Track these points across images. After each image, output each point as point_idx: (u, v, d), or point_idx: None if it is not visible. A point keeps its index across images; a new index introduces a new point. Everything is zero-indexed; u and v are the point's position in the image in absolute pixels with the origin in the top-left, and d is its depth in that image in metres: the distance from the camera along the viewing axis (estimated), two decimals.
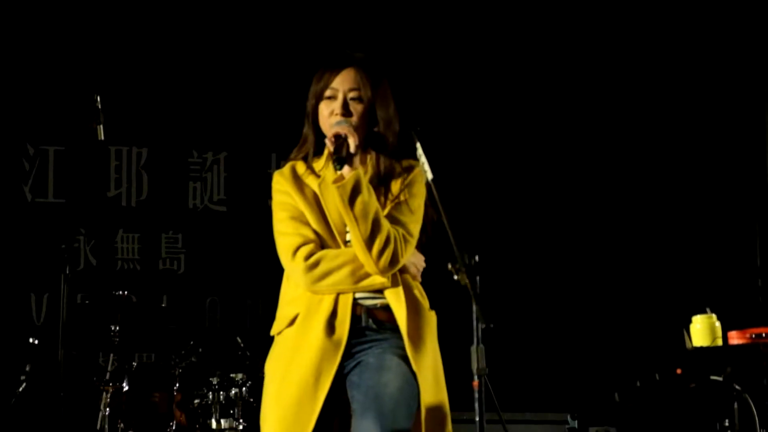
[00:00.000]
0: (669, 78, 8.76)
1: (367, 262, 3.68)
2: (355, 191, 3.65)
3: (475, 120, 8.66)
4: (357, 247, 3.68)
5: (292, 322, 3.75)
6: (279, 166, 3.92)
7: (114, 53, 8.13)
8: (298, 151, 3.89)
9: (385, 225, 3.68)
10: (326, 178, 3.70)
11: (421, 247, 3.88)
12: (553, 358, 8.31)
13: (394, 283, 3.73)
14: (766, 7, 8.61)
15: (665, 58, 8.75)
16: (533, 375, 8.21)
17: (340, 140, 3.69)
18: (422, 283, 3.88)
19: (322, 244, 3.76)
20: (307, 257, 3.71)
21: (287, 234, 3.76)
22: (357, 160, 3.73)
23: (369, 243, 3.66)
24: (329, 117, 3.78)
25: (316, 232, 3.76)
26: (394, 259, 3.68)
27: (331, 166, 3.72)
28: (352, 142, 3.69)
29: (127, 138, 8.19)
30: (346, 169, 3.68)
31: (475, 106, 8.68)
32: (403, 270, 3.77)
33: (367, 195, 3.66)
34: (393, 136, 3.83)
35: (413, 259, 3.81)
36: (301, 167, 3.85)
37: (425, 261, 3.90)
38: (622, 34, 8.77)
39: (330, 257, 3.71)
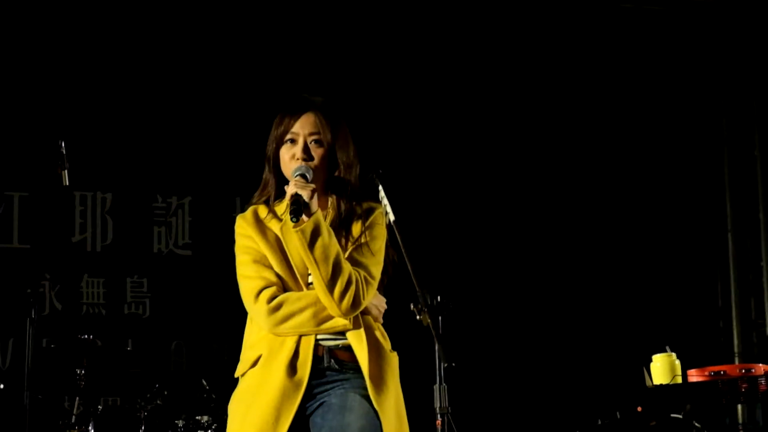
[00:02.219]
0: (630, 122, 8.90)
1: (330, 305, 3.70)
2: (315, 235, 3.67)
3: (435, 161, 8.73)
4: (319, 290, 3.70)
5: (254, 364, 3.76)
6: (243, 210, 3.94)
7: (78, 99, 8.16)
8: (260, 195, 3.93)
9: (347, 267, 3.69)
10: (288, 222, 3.69)
11: (382, 288, 3.90)
12: (515, 396, 8.35)
13: (356, 325, 3.75)
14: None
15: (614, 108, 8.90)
16: (496, 413, 8.24)
17: (293, 199, 3.69)
18: (385, 324, 3.90)
19: (284, 287, 3.78)
20: (270, 300, 3.73)
21: (250, 277, 3.79)
22: (317, 203, 3.73)
23: (330, 285, 3.67)
24: (290, 161, 3.81)
25: (278, 275, 3.78)
26: (356, 302, 3.69)
27: None
28: (306, 195, 3.69)
29: (91, 183, 8.20)
30: (303, 218, 3.68)
31: (435, 147, 8.74)
32: (365, 312, 3.79)
33: (328, 238, 3.68)
34: (353, 178, 3.86)
35: (375, 301, 3.83)
36: (263, 211, 3.88)
37: (387, 302, 3.93)
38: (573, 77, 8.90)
39: (292, 300, 3.74)
